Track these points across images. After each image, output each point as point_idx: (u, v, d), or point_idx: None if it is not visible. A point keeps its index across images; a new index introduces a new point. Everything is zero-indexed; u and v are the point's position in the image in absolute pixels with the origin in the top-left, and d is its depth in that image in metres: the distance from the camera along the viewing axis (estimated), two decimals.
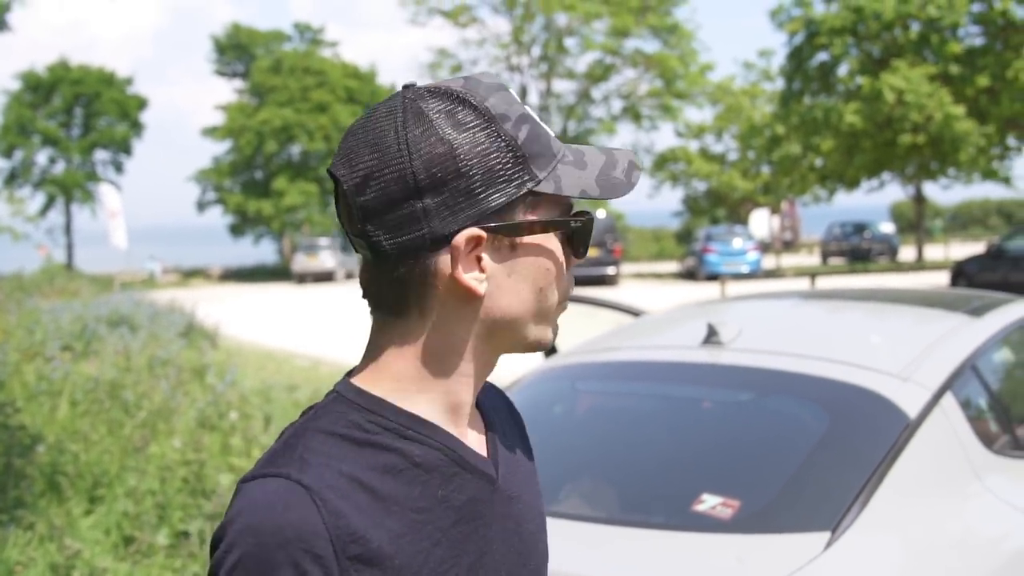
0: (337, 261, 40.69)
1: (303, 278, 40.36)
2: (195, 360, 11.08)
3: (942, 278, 24.22)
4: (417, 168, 1.12)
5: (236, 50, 53.57)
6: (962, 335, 3.42)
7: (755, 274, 32.24)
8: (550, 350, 4.85)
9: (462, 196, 1.14)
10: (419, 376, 1.20)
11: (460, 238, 1.14)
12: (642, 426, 3.24)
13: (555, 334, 1.27)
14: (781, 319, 4.16)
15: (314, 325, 21.46)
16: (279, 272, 47.08)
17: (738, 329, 3.43)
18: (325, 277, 40.43)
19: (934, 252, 41.54)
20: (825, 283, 20.78)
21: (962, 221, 59.54)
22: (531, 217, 1.19)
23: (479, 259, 1.17)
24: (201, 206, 51.72)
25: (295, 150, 49.46)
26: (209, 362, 11.10)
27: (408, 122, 1.14)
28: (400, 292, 1.17)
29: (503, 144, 1.16)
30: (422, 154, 1.12)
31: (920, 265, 34.66)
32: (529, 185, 1.17)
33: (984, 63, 28.19)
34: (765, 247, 40.34)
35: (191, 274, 48.20)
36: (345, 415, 1.17)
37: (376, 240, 1.15)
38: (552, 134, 1.23)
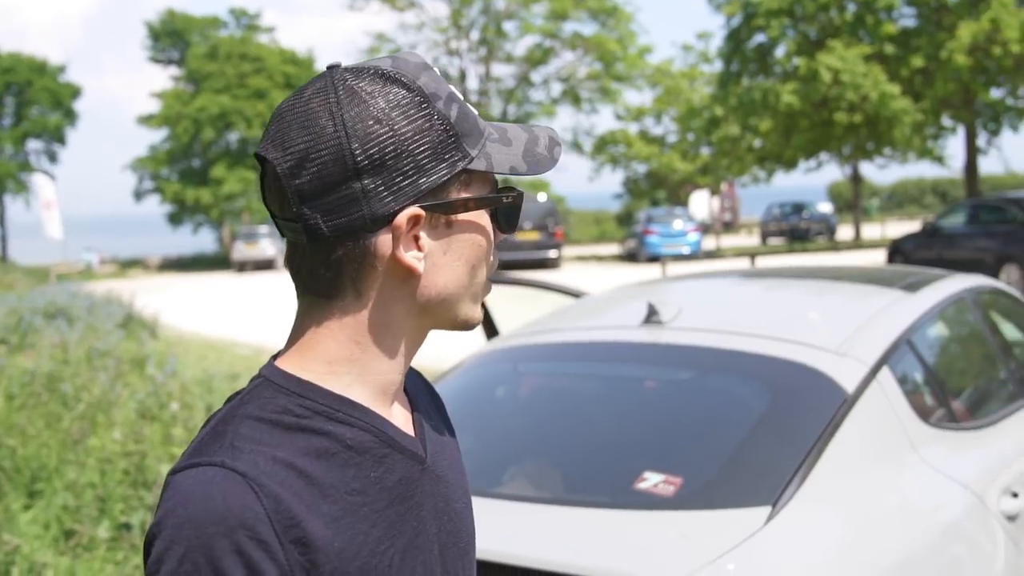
0: (277, 249, 40.36)
1: (243, 266, 40.02)
2: (134, 351, 10.97)
3: (879, 256, 24.57)
4: (355, 149, 1.11)
5: (171, 36, 52.89)
6: (898, 310, 3.46)
7: (695, 255, 32.48)
8: (492, 332, 4.86)
9: (400, 176, 1.13)
10: (351, 358, 1.18)
11: (401, 218, 1.14)
12: (584, 406, 3.25)
13: (479, 310, 1.27)
14: (720, 298, 4.19)
15: (255, 313, 21.30)
16: (219, 261, 46.66)
17: (678, 308, 3.45)
18: (265, 265, 40.12)
19: (871, 231, 42.11)
20: (765, 263, 21.00)
21: (898, 200, 60.42)
22: (465, 195, 1.19)
23: (417, 238, 1.16)
24: (138, 195, 51.07)
25: (233, 137, 49.00)
26: (149, 353, 10.99)
27: (343, 102, 1.12)
28: (336, 274, 1.16)
29: (438, 123, 1.15)
30: (359, 135, 1.11)
31: (858, 244, 35.13)
32: (462, 164, 1.17)
33: (918, 44, 28.59)
34: (705, 228, 40.62)
35: (129, 264, 47.62)
36: (273, 400, 1.15)
37: (313, 223, 1.13)
38: (476, 112, 1.23)
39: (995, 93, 29.01)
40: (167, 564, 1.04)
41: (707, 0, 34.42)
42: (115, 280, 35.61)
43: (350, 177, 1.11)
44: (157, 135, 50.74)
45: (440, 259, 1.19)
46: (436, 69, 1.22)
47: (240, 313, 21.54)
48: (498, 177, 1.25)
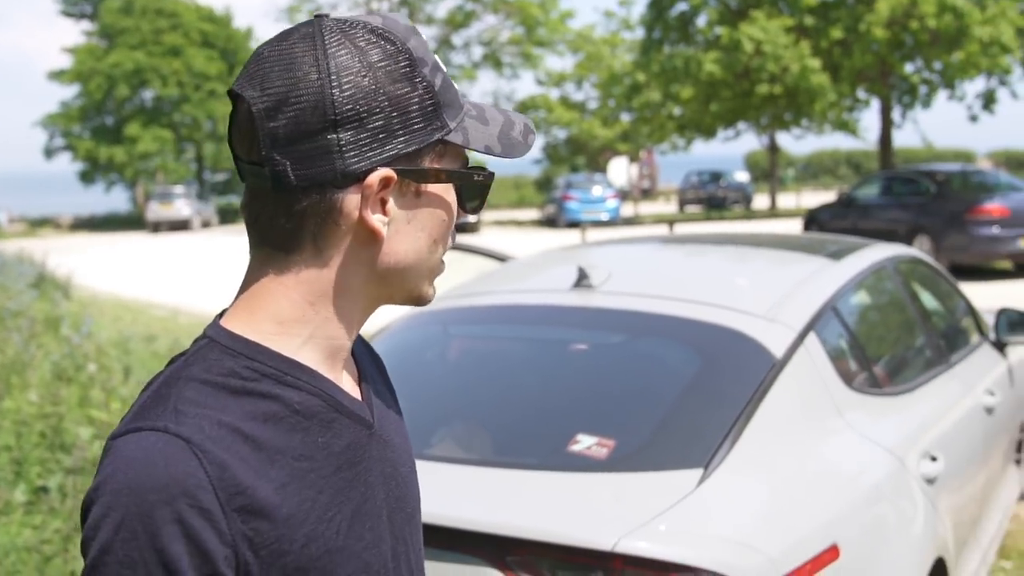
0: (193, 209, 39.80)
1: (157, 227, 39.38)
2: (48, 311, 10.73)
3: (795, 225, 24.92)
4: (337, 99, 1.08)
5: None
6: (823, 278, 3.52)
7: (614, 222, 32.69)
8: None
9: (379, 134, 1.11)
10: (303, 319, 1.15)
11: (373, 178, 1.11)
12: (516, 369, 3.26)
13: (432, 288, 1.26)
14: (648, 263, 4.22)
15: (171, 274, 20.97)
16: (132, 221, 45.80)
17: (607, 273, 3.46)
18: (180, 226, 39.52)
19: (787, 200, 42.69)
20: (683, 230, 21.19)
21: (813, 171, 61.28)
22: (437, 166, 1.17)
23: (384, 202, 1.14)
24: (49, 153, 49.77)
25: (148, 95, 47.95)
26: (63, 313, 10.77)
27: (329, 51, 1.09)
28: (297, 227, 1.12)
29: (422, 88, 1.13)
30: (344, 86, 1.08)
31: (773, 213, 35.61)
32: (439, 134, 1.15)
33: (838, 16, 28.93)
34: (624, 195, 40.86)
35: (39, 223, 46.51)
36: (219, 362, 1.12)
37: (280, 170, 1.09)
38: (457, 87, 1.22)
39: (909, 68, 29.49)
40: (103, 531, 1.01)
41: None
42: (25, 239, 34.77)
43: (327, 127, 1.08)
44: (69, 91, 49.57)
45: (403, 227, 1.17)
46: (423, 35, 1.19)
47: (155, 274, 21.19)
48: (470, 156, 1.24)
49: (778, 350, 2.90)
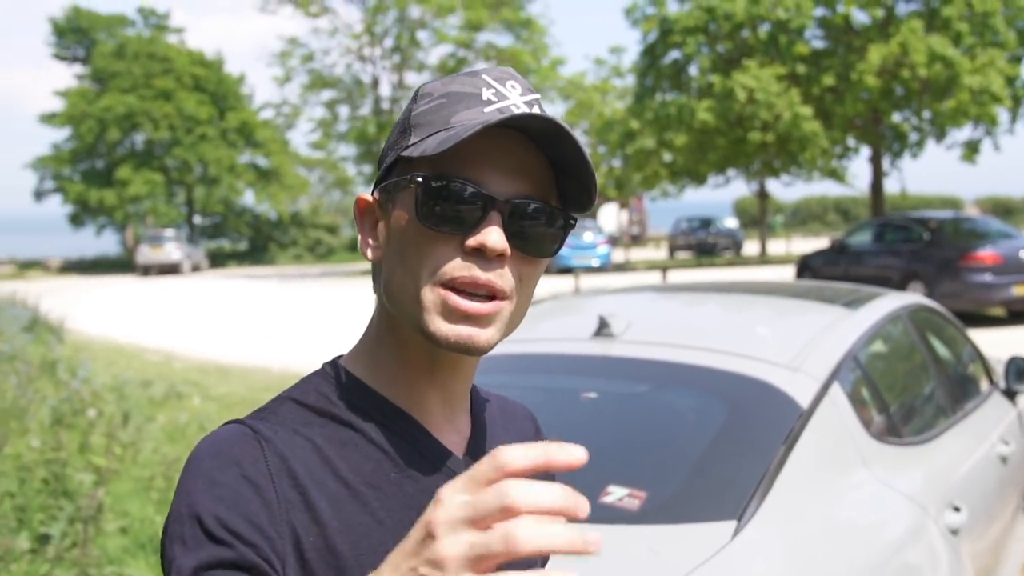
0: (183, 253, 39.78)
1: (147, 270, 39.35)
2: (43, 355, 10.67)
3: (786, 271, 25.00)
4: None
5: (76, 34, 51.73)
6: (843, 327, 3.52)
7: (605, 267, 32.76)
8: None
9: (379, 167, 1.22)
10: (379, 360, 1.20)
11: (357, 203, 1.21)
12: (542, 419, 3.23)
13: (455, 329, 1.11)
14: (664, 312, 4.22)
15: (163, 318, 20.89)
16: (122, 264, 45.75)
17: (627, 321, 3.45)
18: (170, 269, 39.48)
19: (776, 247, 42.90)
20: (675, 277, 21.24)
21: (802, 217, 61.64)
22: (395, 179, 1.18)
23: (375, 227, 1.20)
24: (39, 195, 49.79)
25: (139, 138, 48.08)
26: (58, 357, 10.71)
27: None
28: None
29: (404, 118, 1.19)
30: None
31: (764, 259, 35.74)
32: (397, 151, 1.18)
33: (829, 64, 29.21)
34: (614, 241, 40.97)
35: (28, 266, 46.42)
36: (318, 388, 1.18)
37: None
38: (497, 112, 1.14)
39: (898, 117, 29.77)
40: (176, 491, 1.09)
41: (625, 15, 34.73)
42: (13, 281, 34.66)
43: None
44: (60, 134, 49.65)
45: (388, 252, 1.18)
46: (492, 76, 1.18)
47: (147, 318, 21.11)
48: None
49: (804, 400, 2.89)
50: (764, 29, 30.14)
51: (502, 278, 1.12)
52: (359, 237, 1.22)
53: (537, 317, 4.29)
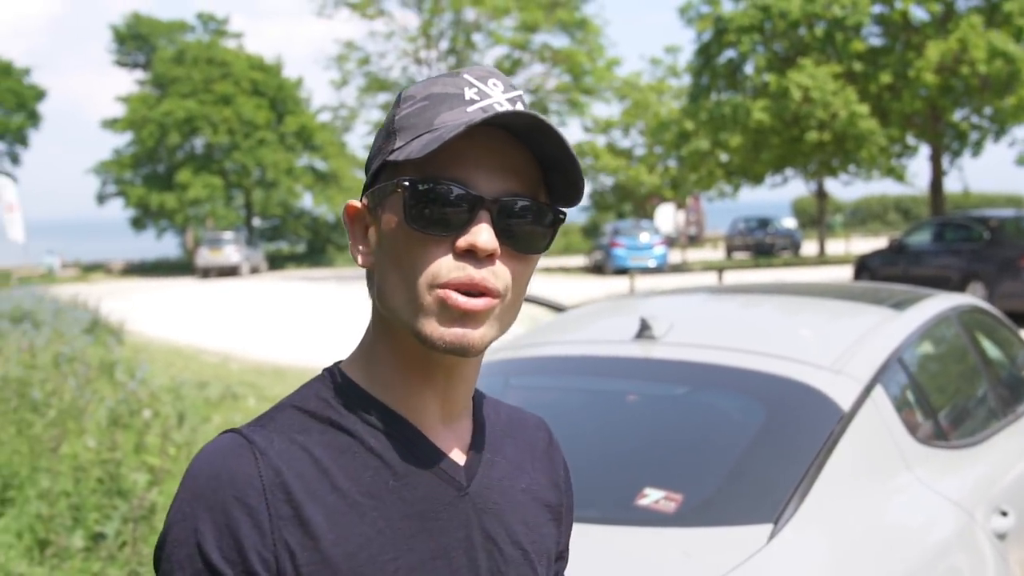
0: (242, 255, 40.19)
1: (207, 272, 39.81)
2: (102, 357, 10.83)
3: (844, 272, 24.75)
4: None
5: (137, 40, 52.50)
6: (888, 328, 3.48)
7: (662, 268, 32.62)
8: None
9: (367, 172, 1.21)
10: (378, 367, 1.20)
11: (345, 210, 1.22)
12: (580, 421, 3.24)
13: (449, 331, 1.11)
14: (709, 313, 4.20)
15: (221, 320, 21.14)
16: (182, 266, 46.34)
17: (669, 323, 3.44)
18: (230, 271, 39.90)
19: (835, 247, 42.43)
20: (732, 277, 21.11)
21: (861, 216, 60.90)
22: (381, 184, 1.19)
23: (365, 231, 1.20)
24: (101, 199, 50.61)
25: (199, 142, 48.70)
26: (117, 359, 10.86)
27: None
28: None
29: (387, 123, 1.19)
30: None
31: (822, 259, 35.39)
32: (383, 156, 1.18)
33: (887, 61, 28.84)
34: (671, 241, 40.78)
35: (91, 269, 47.16)
36: (318, 393, 1.19)
37: None
38: (480, 110, 1.14)
39: (958, 114, 29.33)
40: (171, 508, 1.12)
41: (679, 15, 34.58)
42: (77, 284, 35.25)
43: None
44: (121, 139, 50.44)
45: (380, 257, 1.18)
46: (471, 75, 1.18)
47: (206, 320, 21.38)
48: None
49: (845, 403, 2.86)
50: (820, 27, 29.82)
51: (495, 276, 1.12)
52: (349, 243, 1.22)
53: (585, 319, 4.29)
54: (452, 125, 1.11)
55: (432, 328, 1.12)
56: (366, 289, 1.22)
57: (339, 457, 1.14)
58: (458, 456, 1.23)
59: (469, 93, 1.15)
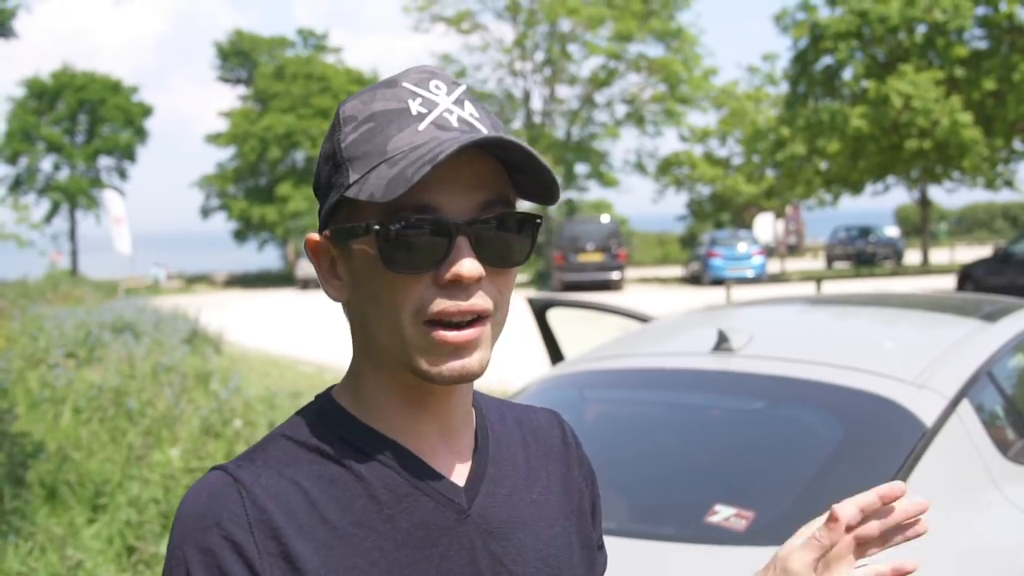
0: None
1: (307, 284, 40.37)
2: (199, 367, 11.05)
3: (948, 282, 24.15)
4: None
5: (239, 56, 53.63)
6: (977, 341, 3.36)
7: (760, 278, 32.19)
8: (556, 356, 4.78)
9: (320, 199, 1.16)
10: (366, 394, 1.17)
11: (307, 242, 1.17)
12: (653, 435, 3.18)
13: (448, 365, 1.09)
14: (791, 325, 4.10)
15: (318, 331, 21.40)
16: (283, 278, 47.09)
17: (748, 336, 3.36)
18: None
19: (939, 256, 41.45)
20: (831, 287, 20.73)
21: (967, 224, 59.43)
22: (348, 225, 1.12)
23: (334, 265, 1.16)
24: (205, 212, 51.79)
25: (299, 156, 49.51)
26: (213, 369, 11.07)
27: None
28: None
29: (331, 150, 1.13)
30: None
31: (926, 269, 34.59)
32: (339, 191, 1.11)
33: (990, 66, 28.11)
34: (770, 251, 40.23)
35: (195, 280, 48.23)
36: (310, 423, 1.16)
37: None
38: (429, 133, 1.08)
39: None
40: (167, 552, 1.10)
41: (774, 22, 34.18)
42: (181, 295, 36.07)
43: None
44: (224, 153, 51.50)
45: (354, 293, 1.14)
46: (408, 83, 1.13)
47: (303, 331, 21.68)
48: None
49: (928, 418, 2.76)
50: (920, 32, 29.21)
51: (483, 298, 1.09)
52: (318, 277, 1.17)
53: (667, 330, 4.23)
54: (413, 159, 1.05)
55: (428, 365, 1.09)
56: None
57: (329, 488, 1.10)
58: (459, 476, 1.18)
59: (414, 106, 1.10)
